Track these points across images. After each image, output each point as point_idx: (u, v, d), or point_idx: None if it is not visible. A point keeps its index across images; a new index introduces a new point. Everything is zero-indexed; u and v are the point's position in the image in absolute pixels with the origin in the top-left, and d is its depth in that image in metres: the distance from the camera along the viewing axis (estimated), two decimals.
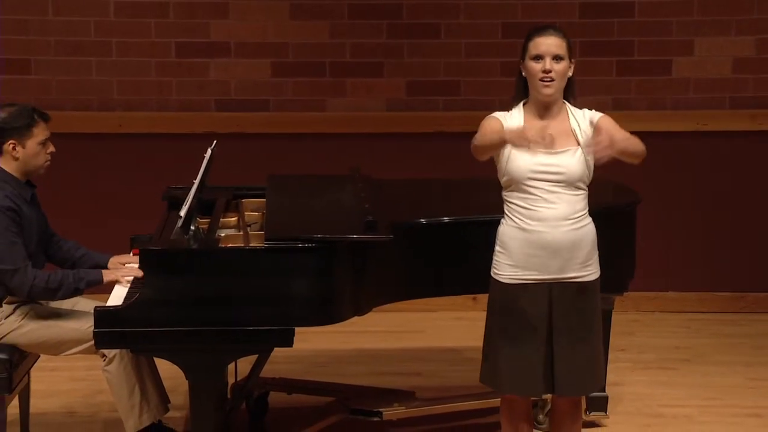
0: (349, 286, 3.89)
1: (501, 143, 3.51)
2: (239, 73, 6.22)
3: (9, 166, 4.17)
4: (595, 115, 3.68)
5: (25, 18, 6.10)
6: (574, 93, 3.71)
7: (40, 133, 4.19)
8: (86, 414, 4.86)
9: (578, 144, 3.62)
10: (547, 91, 3.59)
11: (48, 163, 4.25)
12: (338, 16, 6.21)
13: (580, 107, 3.71)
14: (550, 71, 3.58)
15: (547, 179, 3.58)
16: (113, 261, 4.35)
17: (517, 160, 3.58)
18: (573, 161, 3.59)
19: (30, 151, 4.17)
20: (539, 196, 3.59)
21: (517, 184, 3.61)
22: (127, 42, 6.15)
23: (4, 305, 4.16)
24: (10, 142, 4.15)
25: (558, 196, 3.59)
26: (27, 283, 4.06)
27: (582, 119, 3.66)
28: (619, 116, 3.76)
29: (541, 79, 3.59)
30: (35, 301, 4.24)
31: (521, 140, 3.39)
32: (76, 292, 4.14)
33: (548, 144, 3.39)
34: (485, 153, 3.60)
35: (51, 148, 4.23)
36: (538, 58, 3.59)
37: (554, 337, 3.62)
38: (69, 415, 4.86)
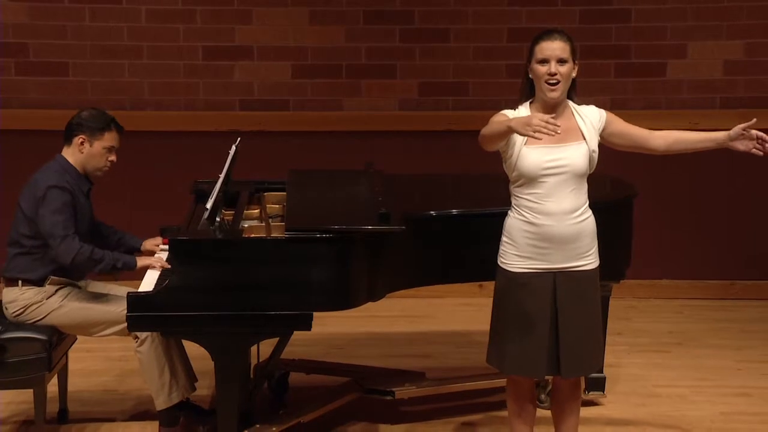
0: (363, 274, 3.89)
1: (507, 132, 3.45)
2: (262, 74, 6.22)
3: (73, 158, 4.25)
4: (603, 112, 3.68)
5: (63, 24, 6.11)
6: (577, 92, 3.69)
7: (109, 139, 4.28)
8: (120, 392, 4.87)
9: (583, 139, 3.60)
10: (553, 94, 3.57)
11: (107, 168, 4.31)
12: (354, 22, 6.20)
13: (580, 104, 3.69)
14: (555, 74, 3.55)
15: (556, 173, 3.55)
16: (146, 243, 4.41)
17: (528, 158, 3.55)
18: (578, 154, 3.57)
19: (95, 151, 4.25)
20: (548, 192, 3.56)
21: (527, 180, 3.58)
22: (158, 46, 6.16)
23: (47, 285, 4.19)
24: (80, 136, 4.23)
25: (564, 191, 3.57)
26: (73, 250, 4.10)
27: (587, 115, 3.64)
28: (616, 115, 3.74)
29: (547, 81, 3.56)
30: (77, 285, 4.27)
31: (525, 127, 3.33)
32: (113, 269, 4.20)
33: (552, 130, 3.31)
34: (491, 142, 3.56)
35: (113, 157, 4.30)
36: (544, 61, 3.56)
37: (559, 323, 3.61)
38: (104, 392, 4.88)
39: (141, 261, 4.18)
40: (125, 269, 4.20)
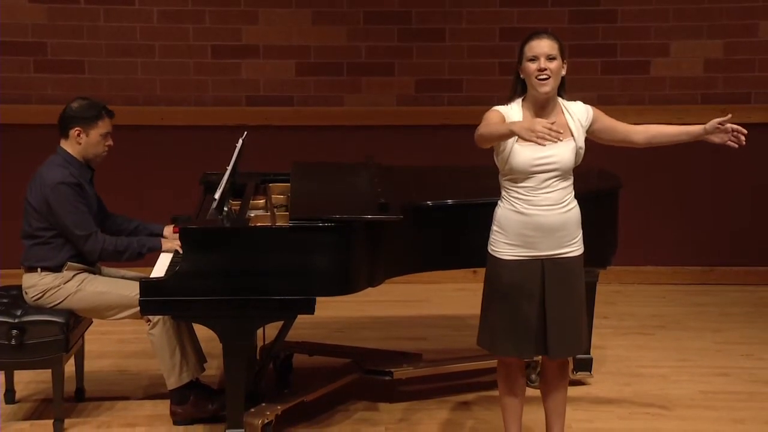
0: (363, 261, 3.88)
1: (508, 135, 3.41)
2: (267, 72, 6.20)
3: (72, 150, 4.24)
4: (590, 108, 3.66)
5: (79, 24, 6.09)
6: (566, 89, 3.66)
7: (103, 126, 4.25)
8: (133, 372, 4.87)
9: (572, 136, 3.58)
10: (544, 88, 3.54)
11: (105, 153, 4.31)
12: (355, 22, 6.19)
13: (568, 100, 3.67)
14: (545, 69, 3.52)
15: (545, 170, 3.53)
16: (167, 230, 4.40)
17: (520, 155, 3.52)
18: (566, 151, 3.55)
19: (92, 140, 4.23)
20: (537, 185, 3.54)
21: (518, 175, 3.56)
22: (169, 45, 6.14)
23: (64, 271, 4.19)
24: (76, 128, 4.21)
25: (553, 184, 3.55)
26: (99, 247, 4.14)
27: (575, 112, 3.62)
28: (603, 111, 3.73)
29: (537, 77, 3.53)
30: (92, 270, 4.27)
31: (529, 133, 3.29)
32: (139, 256, 4.20)
33: (555, 137, 3.27)
34: (489, 142, 3.53)
35: (110, 142, 4.29)
36: (534, 59, 3.54)
37: (546, 307, 3.60)
38: (118, 372, 4.87)
39: (166, 244, 4.19)
40: (151, 252, 4.20)
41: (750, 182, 6.30)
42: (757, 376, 4.87)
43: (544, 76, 3.52)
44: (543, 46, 3.53)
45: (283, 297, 3.78)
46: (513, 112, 3.59)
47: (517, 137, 3.46)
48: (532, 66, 3.54)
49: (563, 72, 3.59)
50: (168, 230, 4.41)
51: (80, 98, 4.30)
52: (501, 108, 3.61)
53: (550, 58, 3.53)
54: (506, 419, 3.80)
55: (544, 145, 3.34)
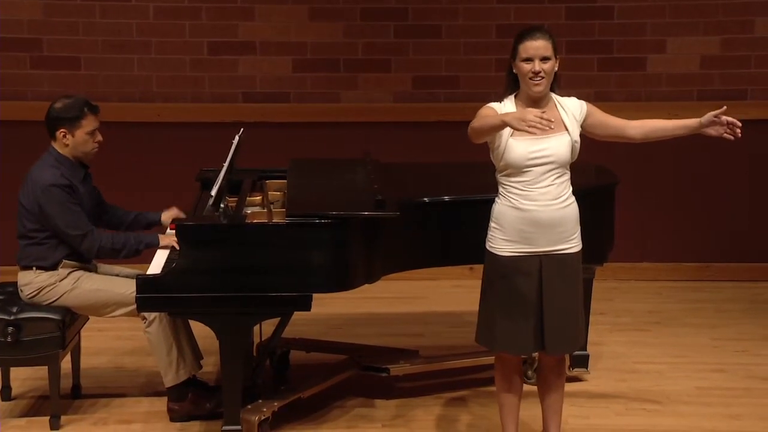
0: (360, 257, 3.88)
1: (501, 126, 3.42)
2: (264, 68, 6.19)
3: (62, 150, 4.21)
4: (583, 103, 3.65)
5: (75, 20, 6.08)
6: (560, 84, 3.66)
7: (88, 124, 4.20)
8: (130, 369, 4.86)
9: (566, 130, 3.58)
10: (538, 89, 3.54)
11: (95, 150, 4.26)
12: (351, 18, 6.18)
13: (563, 95, 3.67)
14: (539, 72, 3.52)
15: (541, 163, 3.53)
16: (165, 216, 4.41)
17: (515, 150, 3.52)
18: (561, 145, 3.55)
19: (78, 140, 4.19)
20: (533, 180, 3.54)
21: (514, 170, 3.56)
22: (165, 41, 6.13)
23: (59, 269, 4.17)
24: (61, 130, 4.17)
25: (549, 179, 3.55)
26: (95, 245, 4.11)
27: (569, 107, 3.62)
28: (599, 107, 3.72)
29: (531, 78, 3.54)
30: (88, 268, 4.25)
31: (520, 122, 3.30)
32: (136, 252, 4.19)
33: (546, 125, 3.29)
34: (482, 136, 3.53)
35: (98, 138, 4.25)
36: (528, 60, 3.54)
37: (543, 303, 3.59)
38: (115, 369, 4.87)
39: (163, 240, 4.17)
40: (148, 248, 4.18)
41: (746, 179, 6.31)
42: (752, 372, 4.87)
43: (539, 78, 3.53)
44: (538, 47, 3.52)
45: (280, 293, 3.77)
46: (506, 109, 3.59)
47: (512, 131, 3.47)
48: (527, 66, 3.54)
49: (556, 68, 3.59)
50: (166, 215, 4.40)
51: (63, 97, 4.25)
52: (494, 105, 3.61)
53: (545, 59, 3.53)
54: (503, 415, 3.80)
55: (536, 135, 3.34)
